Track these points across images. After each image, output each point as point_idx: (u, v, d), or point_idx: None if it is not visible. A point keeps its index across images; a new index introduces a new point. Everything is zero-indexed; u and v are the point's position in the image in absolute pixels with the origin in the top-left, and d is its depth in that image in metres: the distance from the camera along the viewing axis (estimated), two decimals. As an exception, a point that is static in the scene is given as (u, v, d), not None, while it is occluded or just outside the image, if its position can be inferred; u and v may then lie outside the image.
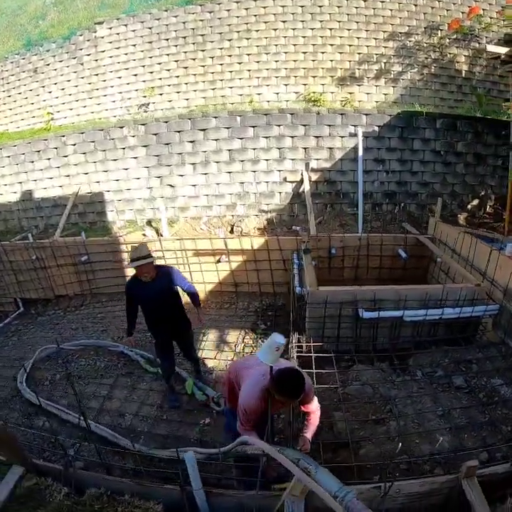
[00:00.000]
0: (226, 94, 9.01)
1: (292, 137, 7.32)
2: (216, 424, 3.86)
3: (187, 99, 9.13)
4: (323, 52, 8.78)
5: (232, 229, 7.43)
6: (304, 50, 8.77)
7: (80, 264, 6.79)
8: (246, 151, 7.39)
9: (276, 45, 8.77)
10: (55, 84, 9.61)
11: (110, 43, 9.15)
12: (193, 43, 8.90)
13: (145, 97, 9.20)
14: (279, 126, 7.27)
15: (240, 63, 8.87)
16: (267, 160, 7.43)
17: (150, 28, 8.98)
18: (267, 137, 7.33)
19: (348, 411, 3.41)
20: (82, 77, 9.39)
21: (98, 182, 7.82)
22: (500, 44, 7.28)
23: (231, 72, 8.94)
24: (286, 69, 8.84)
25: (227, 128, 7.31)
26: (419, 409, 3.38)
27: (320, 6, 8.57)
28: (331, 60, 8.81)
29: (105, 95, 9.38)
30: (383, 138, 7.31)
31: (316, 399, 2.48)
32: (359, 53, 8.78)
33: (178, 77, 9.07)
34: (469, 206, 7.56)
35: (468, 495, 2.05)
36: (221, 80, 9.01)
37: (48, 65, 9.58)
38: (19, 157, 7.95)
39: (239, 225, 7.37)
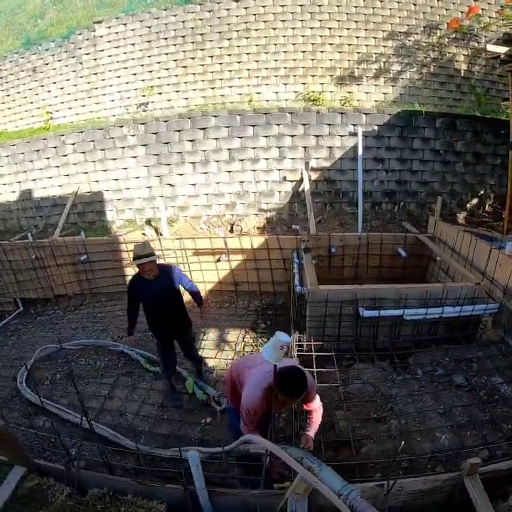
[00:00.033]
0: (225, 93, 9.00)
1: (292, 136, 7.32)
2: (217, 423, 3.86)
3: (186, 99, 9.11)
4: (322, 52, 8.78)
5: (231, 228, 7.43)
6: (303, 50, 8.77)
7: (80, 264, 6.78)
8: (246, 150, 7.39)
9: (275, 44, 8.76)
10: (54, 83, 9.59)
11: (109, 42, 9.13)
12: (193, 42, 8.89)
13: (144, 96, 9.18)
14: (278, 125, 7.27)
15: (239, 62, 8.86)
16: (266, 159, 7.43)
17: (149, 27, 8.96)
18: (266, 136, 7.33)
19: (349, 410, 3.42)
20: (81, 77, 9.37)
21: (97, 181, 7.81)
22: (499, 43, 7.29)
23: (230, 71, 8.93)
24: (285, 68, 8.84)
25: (227, 127, 7.31)
26: (420, 407, 3.38)
27: (319, 6, 8.57)
28: (330, 60, 8.81)
29: (104, 94, 9.36)
30: (383, 137, 7.32)
31: (318, 397, 2.48)
32: (358, 52, 8.78)
33: (177, 76, 9.06)
34: (468, 205, 7.58)
35: (470, 492, 2.06)
36: (220, 79, 9.00)
37: (47, 64, 9.56)
38: (18, 156, 7.93)
39: (238, 224, 7.37)
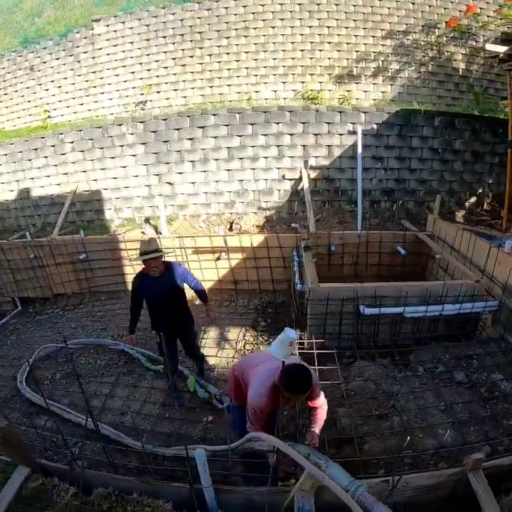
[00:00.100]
0: (224, 91, 8.99)
1: (291, 135, 7.32)
2: (219, 422, 3.87)
3: (185, 97, 9.09)
4: (320, 50, 8.78)
5: (231, 226, 7.43)
6: (302, 48, 8.76)
7: (79, 263, 6.76)
8: (245, 149, 7.39)
9: (274, 42, 8.75)
10: (52, 81, 9.54)
11: (107, 40, 9.10)
12: (191, 41, 8.88)
13: (142, 94, 9.16)
14: (278, 123, 7.27)
15: (237, 61, 8.85)
16: (265, 157, 7.43)
17: (147, 26, 8.93)
18: (265, 135, 7.33)
19: (351, 407, 3.43)
20: (79, 75, 9.33)
21: (96, 180, 7.79)
22: (497, 42, 7.32)
23: (229, 69, 8.92)
24: (284, 67, 8.83)
25: (226, 125, 7.30)
26: (422, 404, 3.40)
27: (318, 4, 8.57)
28: (329, 58, 8.81)
29: (102, 93, 9.33)
30: (382, 136, 7.33)
31: (322, 394, 2.49)
32: (357, 51, 8.78)
33: (175, 74, 9.04)
34: (467, 203, 7.61)
35: (474, 487, 2.07)
36: (219, 78, 8.99)
37: (45, 62, 9.51)
38: (16, 155, 7.89)
39: (238, 222, 7.37)
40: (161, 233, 7.10)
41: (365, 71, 8.83)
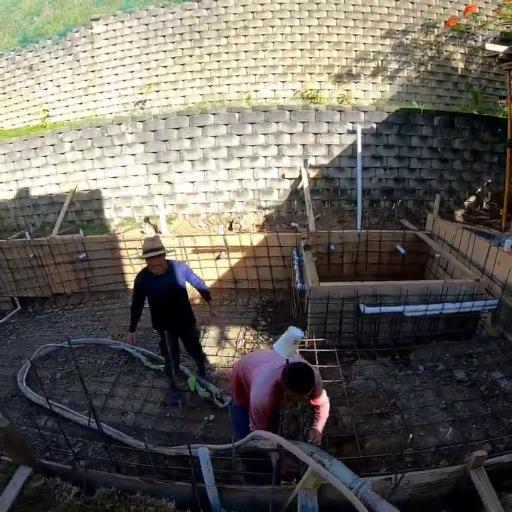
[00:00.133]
0: (223, 91, 8.99)
1: (291, 134, 7.33)
2: (220, 421, 3.87)
3: (184, 96, 9.09)
4: (320, 50, 8.78)
5: (230, 226, 7.43)
6: (301, 47, 8.77)
7: (78, 262, 6.75)
8: (244, 148, 7.39)
9: (273, 42, 8.75)
10: (51, 81, 9.52)
11: (106, 39, 9.08)
12: (190, 40, 8.87)
13: (142, 94, 9.15)
14: (277, 123, 7.27)
15: (237, 60, 8.85)
16: (265, 157, 7.43)
17: (147, 25, 8.92)
18: (265, 134, 7.33)
19: (352, 405, 3.44)
20: (78, 74, 9.31)
21: (95, 179, 7.78)
22: (496, 42, 7.37)
23: (228, 69, 8.91)
24: (283, 66, 8.83)
25: (226, 125, 7.30)
26: (422, 402, 3.42)
27: (317, 3, 8.57)
28: (328, 57, 8.82)
29: (101, 92, 9.31)
30: (381, 135, 7.34)
31: (324, 392, 2.50)
32: (356, 50, 8.79)
33: (175, 73, 9.03)
34: (466, 203, 7.63)
35: (476, 484, 2.08)
36: (218, 77, 8.98)
37: (44, 61, 9.49)
38: (15, 154, 7.88)
39: (238, 221, 7.37)
40: (160, 232, 7.09)
41: (365, 70, 8.84)
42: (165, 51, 8.97)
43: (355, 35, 8.73)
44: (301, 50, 8.76)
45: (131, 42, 9.03)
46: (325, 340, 4.45)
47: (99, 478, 2.42)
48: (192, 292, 4.11)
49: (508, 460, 2.29)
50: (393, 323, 4.53)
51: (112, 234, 7.27)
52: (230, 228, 7.38)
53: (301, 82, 8.84)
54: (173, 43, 8.93)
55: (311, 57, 8.79)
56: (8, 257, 6.78)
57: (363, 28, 8.71)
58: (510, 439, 2.95)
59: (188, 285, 3.87)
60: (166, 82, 9.08)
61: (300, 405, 3.01)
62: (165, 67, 9.02)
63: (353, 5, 8.60)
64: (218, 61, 8.90)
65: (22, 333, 6.24)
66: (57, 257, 6.71)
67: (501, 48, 5.52)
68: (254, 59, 8.81)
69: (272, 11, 8.63)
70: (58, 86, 9.51)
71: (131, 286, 6.83)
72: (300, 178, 7.42)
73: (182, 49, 8.92)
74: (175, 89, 9.09)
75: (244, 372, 2.62)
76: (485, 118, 7.74)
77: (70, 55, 9.31)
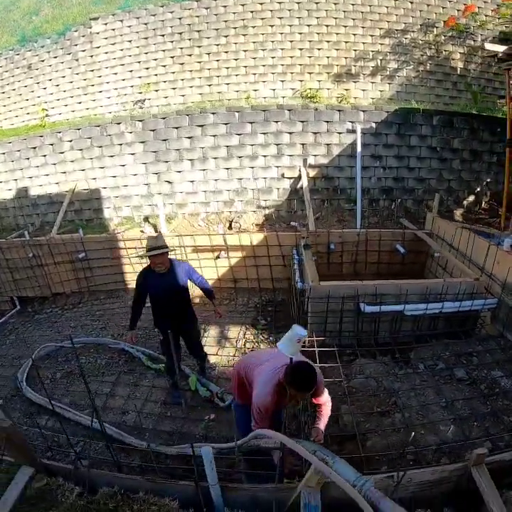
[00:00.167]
0: (222, 90, 8.99)
1: (290, 133, 7.32)
2: (221, 420, 3.87)
3: (183, 96, 9.09)
4: (319, 49, 8.79)
5: (230, 225, 7.43)
6: (301, 47, 8.78)
7: (78, 262, 6.75)
8: (244, 147, 7.39)
9: (272, 41, 8.76)
10: (50, 80, 9.51)
11: (105, 38, 9.07)
12: (189, 39, 8.87)
13: (141, 93, 9.14)
14: (277, 122, 7.27)
15: (236, 59, 8.85)
16: (265, 156, 7.43)
17: (146, 24, 8.92)
18: (265, 133, 7.33)
19: (353, 404, 3.45)
20: (77, 73, 9.30)
21: (95, 178, 7.76)
22: (495, 42, 7.38)
23: (227, 68, 8.92)
24: (282, 65, 8.84)
25: (225, 124, 7.29)
26: (423, 401, 3.42)
27: (316, 3, 8.58)
28: (327, 57, 8.83)
29: (100, 91, 9.30)
30: (380, 134, 7.35)
31: (326, 391, 2.51)
32: (355, 50, 8.80)
33: (174, 73, 9.03)
34: (465, 202, 7.65)
35: (477, 482, 2.09)
36: (217, 76, 8.99)
37: (43, 61, 9.48)
38: (14, 154, 7.86)
39: (237, 221, 7.37)
40: (160, 232, 7.09)
41: (364, 70, 8.85)
42: (164, 50, 8.97)
43: (354, 34, 8.74)
44: (301, 49, 8.77)
45: (130, 41, 9.03)
46: (325, 339, 4.46)
47: (101, 477, 2.42)
48: (192, 291, 4.11)
49: (509, 458, 2.30)
50: (393, 322, 4.55)
51: (111, 233, 7.27)
52: (230, 227, 7.38)
53: (301, 81, 8.85)
54: (172, 42, 8.93)
55: (310, 57, 8.81)
56: (7, 256, 6.77)
57: (362, 27, 8.72)
58: (511, 437, 2.96)
59: (189, 284, 3.88)
60: (165, 82, 9.08)
61: (301, 404, 3.01)
62: (164, 66, 9.02)
63: (353, 4, 8.61)
64: (217, 60, 8.90)
65: (21, 333, 6.23)
66: (57, 257, 6.71)
67: (501, 48, 5.54)
68: (254, 58, 8.82)
69: (271, 11, 8.63)
70: (57, 85, 9.50)
71: (131, 285, 6.91)
72: (299, 177, 7.42)
73: (181, 48, 8.92)
74: (174, 89, 9.09)
75: (245, 371, 2.62)
76: (484, 118, 7.75)
77: (69, 54, 9.30)
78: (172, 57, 8.97)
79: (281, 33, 8.73)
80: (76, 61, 9.27)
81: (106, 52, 9.14)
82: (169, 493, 2.21)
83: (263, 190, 7.57)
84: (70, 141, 7.64)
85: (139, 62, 9.07)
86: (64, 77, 9.41)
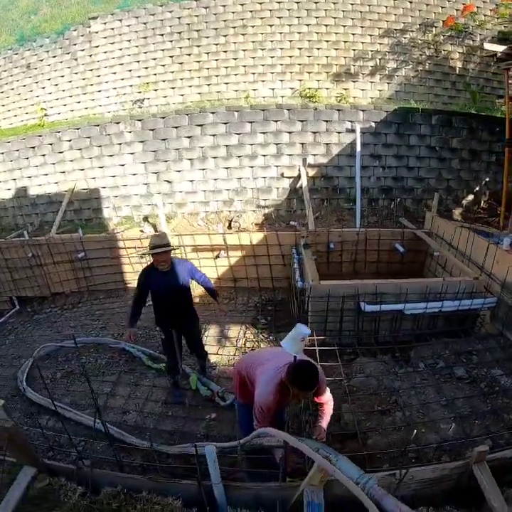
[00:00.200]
0: (221, 89, 9.00)
1: (289, 133, 7.33)
2: (222, 419, 3.87)
3: (182, 95, 9.09)
4: (318, 49, 8.81)
5: (229, 224, 7.43)
6: (300, 46, 8.79)
7: (77, 261, 6.74)
8: (243, 147, 7.39)
9: (271, 41, 8.77)
10: (49, 79, 9.49)
11: (104, 38, 9.06)
12: (189, 39, 8.87)
13: (140, 92, 9.14)
14: (276, 121, 7.27)
15: (235, 59, 8.86)
16: (264, 155, 7.43)
17: (145, 24, 8.91)
18: (264, 133, 7.33)
19: (353, 403, 3.46)
20: (76, 73, 9.29)
21: (94, 178, 7.75)
22: (493, 41, 7.40)
23: (226, 67, 8.92)
24: (281, 65, 8.86)
25: (225, 123, 7.29)
26: (423, 399, 3.44)
27: (315, 2, 8.59)
28: (327, 56, 8.85)
29: (99, 91, 9.29)
30: (380, 134, 7.36)
31: (328, 390, 2.52)
32: (354, 50, 8.82)
33: (173, 72, 9.03)
34: (464, 201, 7.67)
35: (478, 479, 2.10)
36: (216, 76, 8.99)
37: (42, 60, 9.46)
38: (13, 153, 7.83)
39: (237, 220, 7.38)
40: (163, 231, 7.08)
41: (363, 69, 8.87)
42: (163, 50, 8.98)
43: (353, 34, 8.76)
44: (300, 49, 8.78)
45: (129, 41, 9.02)
46: (326, 338, 4.46)
47: (104, 477, 2.42)
48: (192, 291, 4.11)
49: (510, 455, 2.31)
50: (393, 321, 4.56)
51: (110, 233, 7.26)
52: (229, 227, 7.39)
53: (300, 80, 8.86)
54: (171, 41, 8.93)
55: (309, 56, 8.82)
56: (6, 256, 6.75)
57: (361, 27, 8.73)
58: (511, 435, 2.97)
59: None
60: (164, 81, 9.09)
61: (303, 403, 3.03)
62: (163, 66, 9.03)
63: (352, 4, 8.62)
64: (216, 60, 8.91)
65: (21, 333, 6.21)
66: (56, 257, 6.70)
67: (500, 48, 5.56)
68: (253, 58, 8.83)
69: (270, 10, 8.64)
70: (56, 85, 9.49)
71: (130, 285, 6.92)
72: (299, 176, 7.43)
73: (180, 48, 8.92)
74: (173, 88, 9.10)
75: (247, 370, 2.62)
76: (483, 117, 7.77)
77: (68, 53, 9.28)
78: (171, 56, 8.97)
79: (281, 33, 8.74)
80: (75, 60, 9.26)
81: (105, 52, 9.13)
82: (172, 492, 2.22)
83: (262, 189, 7.57)
84: (69, 140, 7.62)
85: (138, 61, 9.06)
86: (63, 76, 9.40)
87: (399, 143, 7.42)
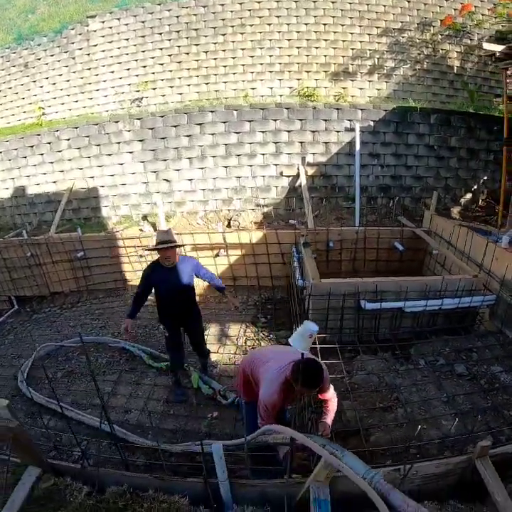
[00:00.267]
0: (220, 88, 9.00)
1: (288, 132, 7.34)
2: (223, 418, 3.89)
3: (180, 94, 9.09)
4: (317, 48, 8.83)
5: (229, 223, 7.44)
6: (298, 45, 8.81)
7: (76, 261, 6.73)
8: (242, 146, 7.39)
9: (270, 39, 8.79)
10: (47, 78, 9.47)
11: (103, 36, 9.04)
12: (187, 38, 8.86)
13: (138, 91, 9.12)
14: (275, 120, 7.28)
15: (234, 58, 8.86)
16: (263, 154, 7.44)
17: (143, 22, 8.90)
18: (263, 131, 7.34)
19: (355, 400, 3.48)
20: (74, 72, 9.27)
21: (93, 177, 7.73)
22: (491, 41, 7.43)
23: (225, 66, 8.92)
24: (280, 64, 8.87)
25: (224, 122, 7.29)
26: (424, 396, 3.46)
27: (314, 1, 8.61)
28: (325, 55, 8.87)
29: (98, 90, 9.27)
30: (378, 133, 7.38)
31: (332, 387, 2.53)
32: (352, 49, 8.84)
33: (171, 71, 9.03)
34: (462, 200, 7.70)
35: (482, 474, 2.12)
36: (215, 75, 9.00)
37: (39, 59, 9.43)
38: (11, 153, 7.80)
39: (236, 219, 7.38)
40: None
41: (361, 68, 8.89)
42: (161, 49, 8.97)
43: (351, 33, 8.79)
44: (298, 48, 8.80)
45: (127, 39, 9.01)
46: (326, 336, 4.47)
47: (109, 476, 2.42)
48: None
49: (511, 450, 2.33)
50: (393, 318, 4.57)
51: (109, 232, 7.25)
52: (229, 226, 7.39)
53: (298, 80, 8.88)
54: (169, 40, 8.92)
55: (307, 55, 8.84)
56: (4, 256, 6.72)
57: (360, 26, 8.76)
58: (511, 431, 3.00)
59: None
60: (162, 80, 9.08)
61: (306, 399, 3.04)
62: (161, 64, 9.02)
63: (350, 3, 8.65)
64: (215, 59, 8.91)
65: (20, 333, 6.19)
66: (55, 256, 6.68)
67: (499, 48, 5.58)
68: (251, 57, 8.84)
69: (268, 9, 8.65)
70: (54, 84, 9.46)
71: (130, 284, 6.90)
72: (298, 175, 7.44)
73: (178, 46, 8.92)
74: (171, 87, 9.09)
75: (251, 368, 2.63)
76: (481, 116, 7.80)
77: (66, 52, 9.26)
78: (169, 55, 8.96)
79: (279, 32, 8.75)
80: (73, 59, 9.24)
81: (103, 51, 9.11)
82: (177, 490, 2.22)
83: (262, 188, 7.58)
84: (68, 139, 7.59)
85: (136, 60, 9.05)
86: (61, 75, 9.37)
87: (397, 142, 7.45)
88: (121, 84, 9.18)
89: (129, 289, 6.83)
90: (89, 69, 9.20)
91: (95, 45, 9.09)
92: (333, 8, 8.64)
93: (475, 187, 7.74)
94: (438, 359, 4.01)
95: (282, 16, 8.65)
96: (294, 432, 1.92)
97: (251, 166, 7.50)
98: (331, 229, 6.43)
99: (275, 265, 6.55)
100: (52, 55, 9.33)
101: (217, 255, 6.56)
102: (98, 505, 2.21)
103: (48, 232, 6.93)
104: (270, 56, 8.81)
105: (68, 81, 9.34)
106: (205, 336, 5.21)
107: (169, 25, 8.84)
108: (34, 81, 9.56)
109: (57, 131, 7.63)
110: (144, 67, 9.04)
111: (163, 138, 7.41)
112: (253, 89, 8.91)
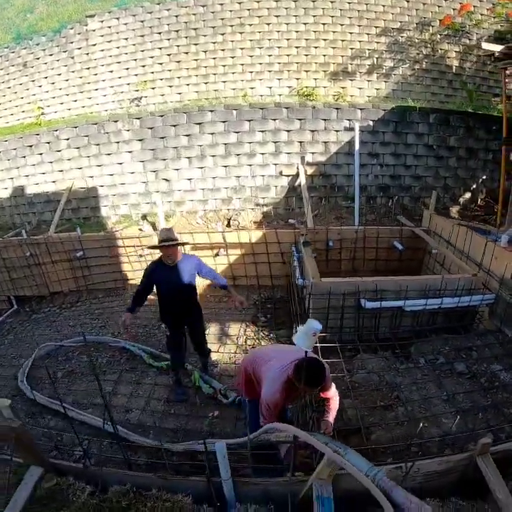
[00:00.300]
0: (219, 88, 9.00)
1: (288, 131, 7.35)
2: (224, 417, 3.89)
3: (180, 94, 9.09)
4: (316, 47, 8.84)
5: (228, 223, 7.44)
6: (297, 45, 8.82)
7: (75, 260, 6.72)
8: (242, 145, 7.40)
9: (269, 39, 8.80)
10: (46, 78, 9.46)
11: (102, 36, 9.04)
12: (186, 37, 8.86)
13: (137, 91, 9.12)
14: (274, 120, 7.28)
15: (233, 57, 8.87)
16: (262, 154, 7.44)
17: (142, 22, 8.89)
18: (262, 131, 7.34)
19: (356, 398, 3.49)
20: (73, 71, 9.26)
21: (92, 177, 7.72)
22: (490, 40, 7.45)
23: (224, 66, 8.93)
24: (279, 63, 8.88)
25: (223, 122, 7.29)
26: (425, 394, 3.47)
27: (313, 1, 8.62)
28: (324, 55, 8.89)
29: (97, 89, 9.27)
30: (377, 132, 7.39)
31: (333, 385, 2.54)
32: (351, 48, 8.86)
33: (170, 71, 9.03)
34: (461, 199, 7.73)
35: (483, 471, 2.13)
36: (214, 74, 9.00)
37: (38, 58, 9.42)
38: (10, 152, 7.78)
39: (235, 218, 7.38)
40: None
41: (360, 68, 8.91)
42: (160, 48, 8.97)
43: (350, 33, 8.80)
44: (297, 47, 8.81)
45: (126, 39, 9.01)
46: (326, 335, 4.48)
47: (113, 476, 2.42)
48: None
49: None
50: (393, 317, 4.60)
51: (109, 232, 7.24)
52: (228, 225, 7.39)
53: (297, 79, 8.90)
54: (168, 40, 8.92)
55: (306, 55, 8.85)
56: (4, 255, 6.71)
57: (359, 26, 8.78)
58: (511, 429, 3.02)
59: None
60: (161, 79, 9.08)
61: (308, 399, 3.05)
62: (160, 64, 9.02)
63: (349, 3, 8.67)
64: (214, 58, 8.91)
65: (19, 333, 6.18)
66: (54, 255, 6.67)
67: (498, 48, 5.60)
68: (250, 56, 8.85)
69: (267, 9, 8.66)
70: (53, 83, 9.45)
71: (130, 283, 6.89)
72: (297, 175, 7.45)
73: (177, 46, 8.92)
74: (170, 87, 9.09)
75: (253, 367, 2.64)
76: (480, 116, 7.82)
77: (65, 52, 9.25)
78: (168, 55, 8.96)
79: (278, 31, 8.76)
80: (72, 59, 9.23)
81: (102, 50, 9.10)
82: (180, 489, 2.23)
83: (261, 187, 7.58)
84: (67, 139, 7.58)
85: (135, 59, 9.04)
86: (59, 75, 9.36)
87: (397, 141, 7.46)
88: (120, 84, 9.18)
89: (128, 288, 6.83)
90: (88, 68, 9.19)
91: (94, 45, 9.08)
92: (332, 8, 8.65)
93: (474, 186, 7.77)
94: (438, 358, 4.03)
95: (281, 16, 8.67)
96: (296, 430, 1.92)
97: (250, 165, 7.50)
98: (331, 228, 6.44)
99: (275, 264, 6.56)
100: (51, 55, 9.31)
101: (216, 255, 6.56)
102: (101, 504, 2.21)
103: (47, 232, 6.92)
104: (269, 56, 8.82)
105: (67, 80, 9.33)
106: (206, 336, 5.25)
107: (168, 24, 8.84)
108: (33, 80, 9.55)
109: (56, 130, 7.62)
110: (143, 66, 9.04)
111: (162, 137, 7.41)
112: (252, 88, 8.91)
